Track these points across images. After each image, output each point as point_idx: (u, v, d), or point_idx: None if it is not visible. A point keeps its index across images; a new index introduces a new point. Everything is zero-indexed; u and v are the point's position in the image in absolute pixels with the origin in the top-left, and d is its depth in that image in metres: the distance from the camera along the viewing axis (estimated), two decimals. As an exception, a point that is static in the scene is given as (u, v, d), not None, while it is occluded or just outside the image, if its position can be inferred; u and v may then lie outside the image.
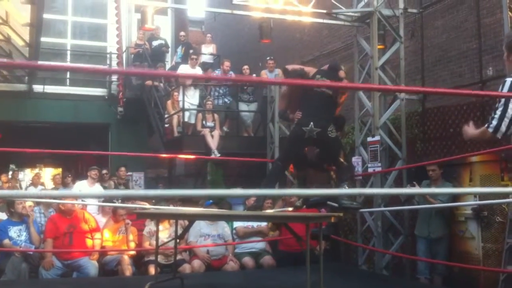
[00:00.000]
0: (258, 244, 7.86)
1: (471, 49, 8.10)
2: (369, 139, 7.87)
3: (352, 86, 4.35)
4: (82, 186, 9.01)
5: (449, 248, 6.92)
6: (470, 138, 4.32)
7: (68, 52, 14.02)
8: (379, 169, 7.64)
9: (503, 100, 3.76)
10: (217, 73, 11.81)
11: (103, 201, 7.84)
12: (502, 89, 3.78)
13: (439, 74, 8.68)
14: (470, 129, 4.09)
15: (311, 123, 5.81)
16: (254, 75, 11.48)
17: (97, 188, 9.11)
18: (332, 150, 6.12)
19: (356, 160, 8.05)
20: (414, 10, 8.74)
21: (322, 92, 6.05)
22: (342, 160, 6.12)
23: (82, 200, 7.82)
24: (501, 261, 5.96)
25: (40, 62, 10.44)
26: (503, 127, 3.74)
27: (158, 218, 6.34)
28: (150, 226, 7.51)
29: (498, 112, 3.76)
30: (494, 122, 3.77)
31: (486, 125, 3.84)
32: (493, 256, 6.37)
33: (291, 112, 6.41)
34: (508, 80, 3.76)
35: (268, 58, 11.29)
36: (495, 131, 3.77)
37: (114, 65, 13.67)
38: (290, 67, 6.49)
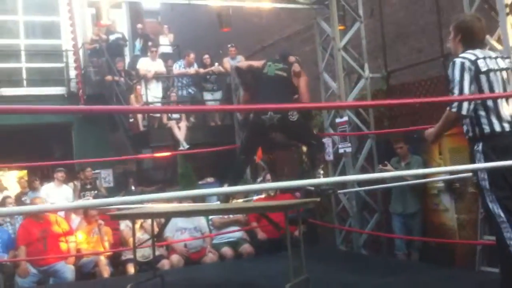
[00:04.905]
0: (235, 233, 7.83)
1: (429, 24, 8.19)
2: (338, 120, 7.89)
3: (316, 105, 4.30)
4: (49, 189, 8.87)
5: (424, 222, 7.01)
6: (436, 135, 4.04)
7: (23, 53, 13.55)
8: (349, 149, 7.68)
9: (456, 79, 3.73)
10: (179, 64, 11.66)
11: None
12: (453, 70, 3.77)
13: (400, 51, 8.75)
14: (430, 129, 4.07)
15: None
16: (216, 64, 11.37)
17: (65, 190, 9.00)
18: (298, 133, 6.01)
19: (326, 141, 8.06)
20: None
21: (276, 75, 5.93)
22: (311, 140, 6.03)
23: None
24: (476, 231, 6.03)
25: None
26: (465, 103, 3.67)
27: (133, 218, 6.22)
28: (126, 222, 7.40)
29: (456, 91, 3.72)
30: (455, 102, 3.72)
31: (448, 108, 3.79)
32: (467, 227, 6.48)
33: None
34: (458, 60, 3.78)
35: (229, 45, 11.21)
36: (459, 109, 3.69)
37: (71, 63, 13.32)
38: (243, 65, 6.39)
